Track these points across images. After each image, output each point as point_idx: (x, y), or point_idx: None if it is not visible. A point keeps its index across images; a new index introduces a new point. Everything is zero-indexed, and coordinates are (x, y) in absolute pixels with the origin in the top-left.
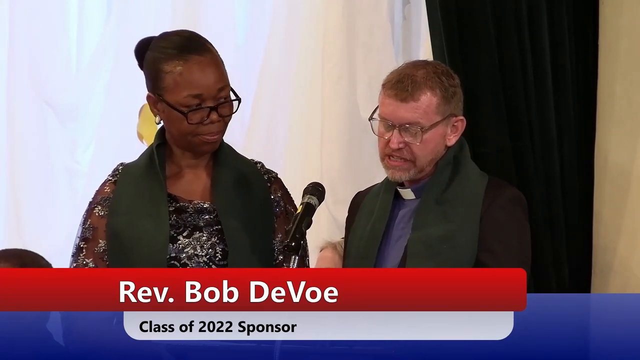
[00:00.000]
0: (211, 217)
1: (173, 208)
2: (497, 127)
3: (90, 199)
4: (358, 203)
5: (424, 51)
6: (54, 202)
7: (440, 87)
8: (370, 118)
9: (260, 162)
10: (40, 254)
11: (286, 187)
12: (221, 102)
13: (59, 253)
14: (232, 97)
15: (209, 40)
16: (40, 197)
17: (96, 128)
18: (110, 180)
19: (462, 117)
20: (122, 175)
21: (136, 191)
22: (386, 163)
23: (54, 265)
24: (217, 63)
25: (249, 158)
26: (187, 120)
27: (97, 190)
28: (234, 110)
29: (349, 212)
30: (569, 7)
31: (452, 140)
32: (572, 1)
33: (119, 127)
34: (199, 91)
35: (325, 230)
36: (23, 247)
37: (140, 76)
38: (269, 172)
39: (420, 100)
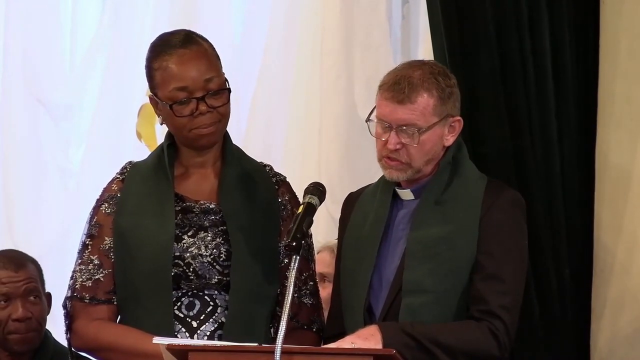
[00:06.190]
0: (217, 217)
1: (179, 208)
2: (497, 127)
3: (98, 196)
4: (352, 203)
5: (423, 50)
6: (45, 200)
7: (437, 87)
8: (367, 119)
9: (269, 165)
10: (31, 251)
11: (294, 191)
12: (209, 93)
13: (50, 251)
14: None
15: (206, 37)
16: (32, 195)
17: (89, 127)
18: (118, 178)
19: (459, 118)
20: (130, 173)
21: (144, 190)
22: (384, 163)
23: (45, 263)
24: (204, 55)
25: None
26: (174, 113)
27: (104, 188)
28: (226, 102)
29: (342, 213)
30: (569, 7)
31: (449, 140)
32: (572, 1)
33: (111, 126)
34: (184, 83)
35: (323, 230)
36: (13, 245)
37: (133, 75)
38: (277, 175)
39: (417, 102)
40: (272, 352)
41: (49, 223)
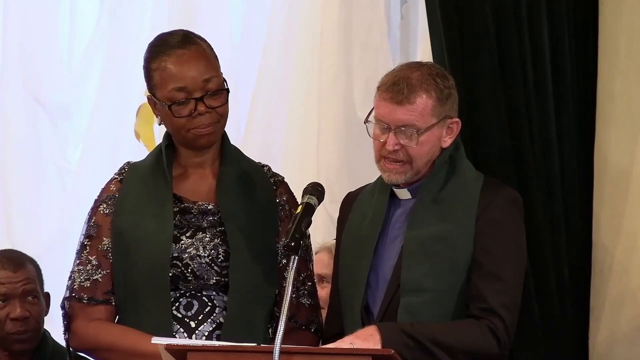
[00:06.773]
0: (215, 218)
1: (177, 208)
2: (497, 127)
3: (96, 197)
4: (350, 203)
5: (422, 50)
6: (43, 200)
7: (436, 89)
8: (366, 121)
9: (267, 165)
10: (29, 251)
11: (292, 191)
12: (208, 93)
13: (48, 251)
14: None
15: (204, 38)
16: (30, 194)
17: (87, 126)
18: (117, 178)
19: (457, 119)
20: (129, 174)
21: (142, 190)
22: (382, 165)
23: (43, 263)
24: (202, 55)
25: (257, 161)
26: (173, 114)
27: (102, 188)
28: (225, 102)
29: (340, 212)
30: (569, 7)
31: (447, 142)
32: (572, 1)
33: (110, 125)
34: (183, 84)
35: (322, 230)
36: (11, 245)
37: (131, 75)
38: (275, 175)
39: (415, 102)
40: (271, 352)
41: (47, 223)
